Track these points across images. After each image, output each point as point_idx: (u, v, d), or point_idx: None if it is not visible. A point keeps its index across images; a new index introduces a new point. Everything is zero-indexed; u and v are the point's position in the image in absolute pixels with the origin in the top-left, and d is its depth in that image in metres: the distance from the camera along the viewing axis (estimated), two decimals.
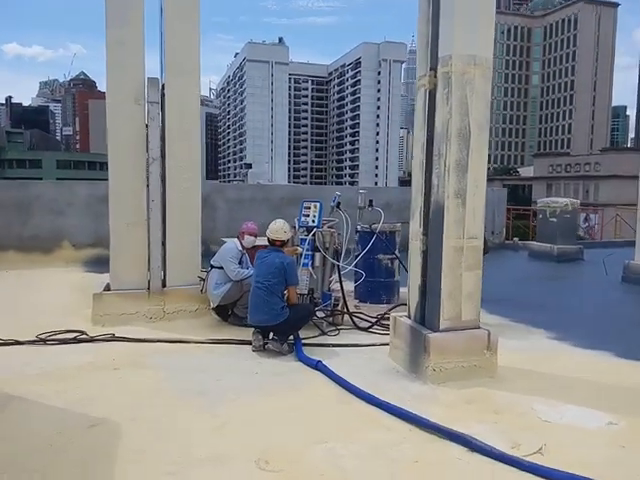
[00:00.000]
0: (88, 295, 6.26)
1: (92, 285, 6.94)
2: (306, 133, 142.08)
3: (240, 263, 5.93)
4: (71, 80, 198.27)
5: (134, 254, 6.04)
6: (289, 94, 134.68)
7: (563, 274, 10.19)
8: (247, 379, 4.40)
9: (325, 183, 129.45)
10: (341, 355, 5.01)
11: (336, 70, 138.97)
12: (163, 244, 6.11)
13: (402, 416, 3.56)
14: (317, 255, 5.91)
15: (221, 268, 5.90)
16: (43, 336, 5.26)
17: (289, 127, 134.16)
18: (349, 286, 6.87)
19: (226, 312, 6.09)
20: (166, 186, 6.06)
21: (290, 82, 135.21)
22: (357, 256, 6.89)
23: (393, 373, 4.54)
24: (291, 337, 5.09)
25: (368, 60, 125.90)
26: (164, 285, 6.14)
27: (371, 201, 7.24)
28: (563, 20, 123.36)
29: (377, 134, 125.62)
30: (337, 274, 6.10)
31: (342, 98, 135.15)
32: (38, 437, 3.33)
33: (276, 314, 4.87)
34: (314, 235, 5.88)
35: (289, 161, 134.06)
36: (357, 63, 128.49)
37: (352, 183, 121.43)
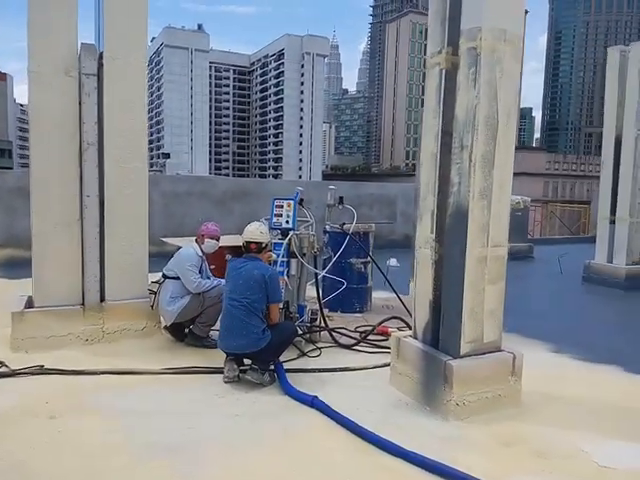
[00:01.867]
0: (1, 309, 5.04)
1: (6, 298, 5.64)
2: (228, 124, 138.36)
3: (200, 272, 4.95)
4: None
5: (64, 261, 4.88)
6: (210, 83, 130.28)
7: (521, 273, 9.98)
8: (227, 424, 3.49)
9: (248, 175, 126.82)
10: (330, 383, 4.22)
11: (259, 60, 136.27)
12: (101, 249, 4.99)
13: (448, 475, 2.83)
14: (293, 262, 5.06)
15: (177, 278, 4.89)
16: None
17: (210, 117, 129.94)
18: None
19: (181, 331, 5.09)
20: (105, 178, 4.94)
21: (211, 71, 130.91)
22: (326, 260, 6.12)
23: (402, 406, 3.81)
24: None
25: (291, 52, 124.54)
26: (102, 299, 5.02)
27: (341, 198, 6.46)
28: None
29: (301, 127, 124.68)
30: (315, 283, 5.29)
31: (265, 89, 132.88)
32: None
33: (257, 338, 3.97)
34: (289, 239, 5.02)
35: (210, 152, 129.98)
36: (280, 55, 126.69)
37: (276, 176, 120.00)
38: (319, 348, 4.95)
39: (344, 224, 6.37)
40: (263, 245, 4.27)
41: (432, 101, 3.84)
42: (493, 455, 3.16)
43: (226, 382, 4.10)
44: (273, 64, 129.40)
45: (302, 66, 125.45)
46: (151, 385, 4.09)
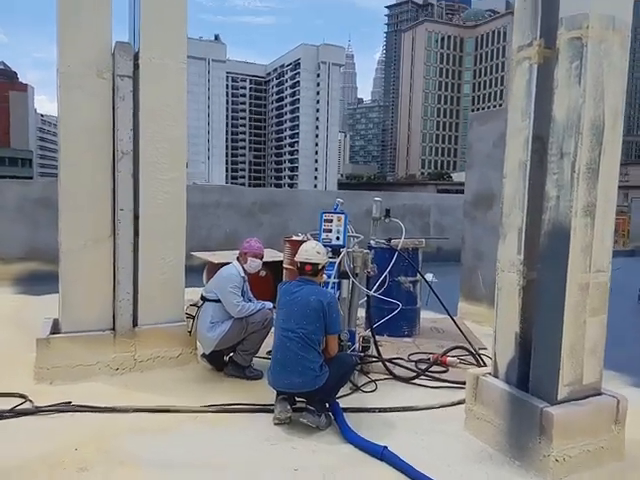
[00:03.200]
0: (24, 330, 4.65)
1: (29, 316, 5.24)
2: (244, 133, 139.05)
3: (242, 294, 4.47)
4: None
5: (95, 282, 4.42)
6: (226, 93, 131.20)
7: None
8: None
9: (264, 185, 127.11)
10: (395, 426, 3.68)
11: (275, 70, 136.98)
12: (135, 268, 4.53)
13: None
14: (344, 283, 4.54)
15: (217, 301, 4.41)
16: None
17: (226, 127, 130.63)
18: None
19: (221, 359, 4.59)
20: (140, 190, 4.49)
21: (227, 81, 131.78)
22: (369, 279, 5.60)
23: (485, 459, 3.25)
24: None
25: (307, 62, 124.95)
26: (135, 324, 4.55)
27: (388, 211, 5.93)
28: (493, 32, 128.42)
29: (316, 136, 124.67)
30: (367, 307, 4.76)
31: (281, 99, 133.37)
32: None
33: (314, 376, 3.45)
34: (342, 257, 4.51)
35: (226, 162, 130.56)
36: (296, 64, 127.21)
37: (291, 185, 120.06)
38: (374, 381, 4.41)
39: (390, 239, 5.85)
40: (320, 267, 3.76)
41: (520, 101, 3.32)
42: None
43: (276, 424, 3.58)
44: (289, 74, 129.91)
45: (318, 75, 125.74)
46: (191, 426, 3.59)
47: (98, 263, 4.40)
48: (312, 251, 3.73)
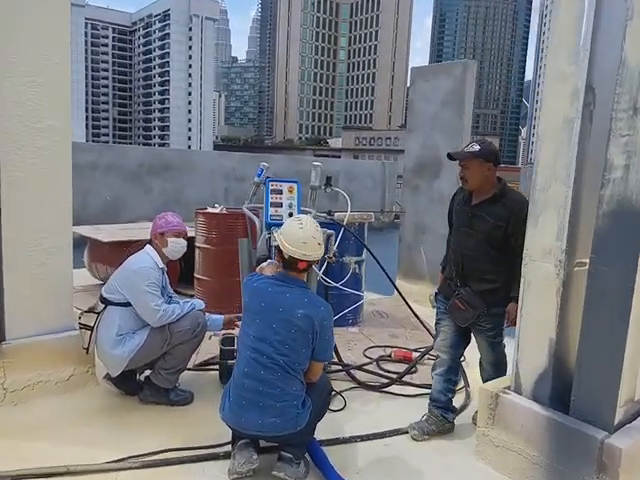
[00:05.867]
0: None
1: None
2: (107, 87, 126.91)
3: (162, 292, 3.24)
4: None
5: None
6: (85, 41, 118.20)
7: None
8: None
9: (131, 143, 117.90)
10: (387, 462, 2.82)
11: (141, 20, 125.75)
12: None
13: None
14: None
15: (126, 305, 3.14)
16: None
17: (86, 78, 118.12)
18: None
19: (133, 379, 3.36)
20: (0, 143, 3.01)
21: (87, 28, 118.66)
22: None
23: None
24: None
25: (178, 13, 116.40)
26: (2, 338, 3.13)
27: (329, 178, 4.94)
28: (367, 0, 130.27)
29: (189, 94, 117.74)
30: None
31: (149, 52, 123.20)
32: None
33: (296, 414, 2.41)
34: None
35: (87, 117, 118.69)
36: (165, 15, 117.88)
37: (162, 145, 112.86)
38: (339, 393, 3.49)
39: (331, 212, 4.89)
40: (316, 262, 2.67)
41: (569, 35, 2.49)
42: None
43: (234, 479, 2.52)
44: (158, 25, 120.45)
45: (190, 29, 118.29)
46: None
47: None
48: (313, 242, 2.54)
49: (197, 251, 5.31)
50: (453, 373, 3.12)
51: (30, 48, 3.03)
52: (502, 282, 2.93)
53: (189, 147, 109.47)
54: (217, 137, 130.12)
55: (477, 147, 2.89)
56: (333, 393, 3.42)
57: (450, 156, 3.04)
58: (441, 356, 3.13)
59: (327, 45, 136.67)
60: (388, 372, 3.88)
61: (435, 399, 3.13)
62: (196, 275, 5.40)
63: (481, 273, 2.96)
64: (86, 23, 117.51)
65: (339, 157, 72.82)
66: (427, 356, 4.11)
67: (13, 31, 2.96)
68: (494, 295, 2.95)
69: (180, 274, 5.68)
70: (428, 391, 3.43)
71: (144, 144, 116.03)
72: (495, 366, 3.12)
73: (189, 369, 3.52)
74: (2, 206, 3.05)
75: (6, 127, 3.01)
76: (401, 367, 3.99)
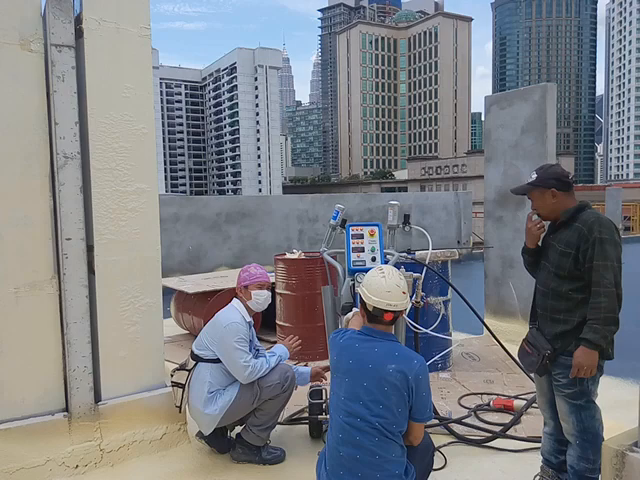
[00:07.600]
0: None
1: None
2: (182, 140, 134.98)
3: (249, 347, 3.21)
4: None
5: (32, 347, 3.05)
6: (161, 99, 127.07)
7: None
8: None
9: (206, 192, 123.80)
10: None
11: (210, 75, 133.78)
12: (92, 320, 3.18)
13: None
14: None
15: (215, 361, 3.13)
16: None
17: (163, 134, 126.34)
18: None
19: (225, 437, 3.32)
20: (92, 209, 3.15)
21: (161, 87, 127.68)
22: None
23: None
24: None
25: (243, 65, 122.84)
26: (98, 399, 3.20)
27: (407, 217, 4.82)
28: (425, 32, 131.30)
29: (258, 140, 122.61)
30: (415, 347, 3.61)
31: (219, 104, 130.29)
32: None
33: None
34: None
35: (165, 169, 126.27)
36: (232, 68, 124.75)
37: (235, 191, 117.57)
38: (438, 449, 3.26)
39: (410, 251, 4.74)
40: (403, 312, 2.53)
41: None
42: None
43: None
44: (226, 78, 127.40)
45: (255, 79, 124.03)
46: None
47: (37, 317, 3.03)
48: (397, 292, 2.38)
49: (278, 297, 5.30)
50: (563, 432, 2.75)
51: (112, 102, 3.18)
52: (575, 324, 2.48)
53: (260, 190, 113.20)
54: (285, 178, 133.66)
55: (534, 176, 2.64)
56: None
57: (514, 191, 2.82)
58: (543, 414, 2.83)
59: (387, 80, 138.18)
60: (489, 423, 3.59)
61: (546, 459, 2.82)
62: (277, 322, 5.39)
63: (551, 312, 2.58)
64: (161, 82, 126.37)
65: (406, 189, 72.35)
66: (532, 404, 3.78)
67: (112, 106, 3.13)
68: (565, 339, 2.51)
69: (262, 320, 5.69)
70: (536, 445, 3.14)
71: (218, 191, 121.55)
72: (580, 439, 2.54)
73: (279, 423, 3.44)
74: (97, 271, 3.17)
75: (98, 192, 3.15)
76: (501, 417, 3.70)
